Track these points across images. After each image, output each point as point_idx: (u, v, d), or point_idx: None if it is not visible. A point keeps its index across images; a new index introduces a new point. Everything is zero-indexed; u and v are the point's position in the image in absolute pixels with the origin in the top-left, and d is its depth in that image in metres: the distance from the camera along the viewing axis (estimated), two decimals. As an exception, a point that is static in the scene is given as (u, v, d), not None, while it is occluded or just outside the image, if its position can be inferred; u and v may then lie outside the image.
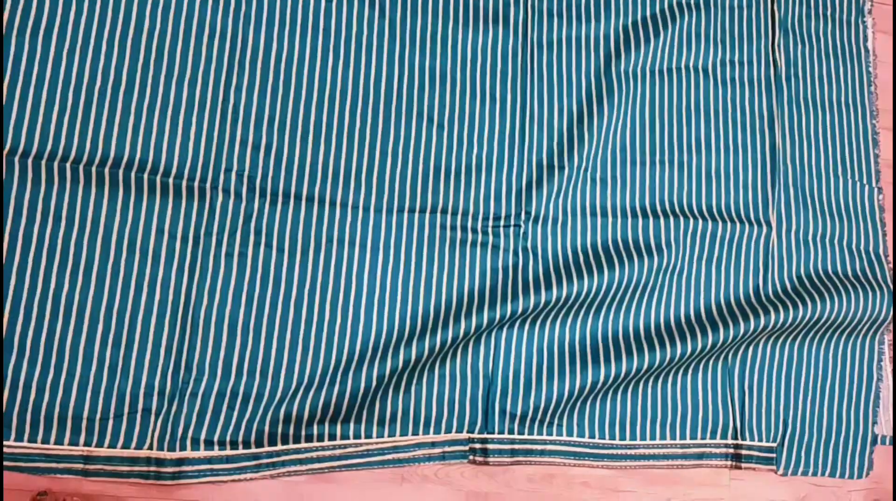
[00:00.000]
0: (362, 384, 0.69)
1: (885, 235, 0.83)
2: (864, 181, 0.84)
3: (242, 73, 0.72)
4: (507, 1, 0.81)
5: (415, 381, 0.70)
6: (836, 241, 0.82)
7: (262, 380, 0.67)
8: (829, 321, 0.78)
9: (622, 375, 0.73)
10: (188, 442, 0.65)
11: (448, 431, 0.71)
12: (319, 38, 0.76)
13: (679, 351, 0.74)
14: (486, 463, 0.71)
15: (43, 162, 0.66)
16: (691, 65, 0.83)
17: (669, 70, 0.82)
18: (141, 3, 0.72)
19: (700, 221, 0.78)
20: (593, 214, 0.77)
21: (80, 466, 0.64)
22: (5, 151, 0.65)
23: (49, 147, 0.66)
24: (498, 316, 0.73)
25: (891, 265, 0.82)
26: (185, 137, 0.70)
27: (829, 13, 0.89)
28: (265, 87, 0.73)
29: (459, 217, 0.74)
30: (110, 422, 0.64)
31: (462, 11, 0.80)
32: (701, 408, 0.75)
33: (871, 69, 0.88)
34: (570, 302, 0.75)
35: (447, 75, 0.78)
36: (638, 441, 0.74)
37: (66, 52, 0.68)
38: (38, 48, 0.68)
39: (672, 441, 0.75)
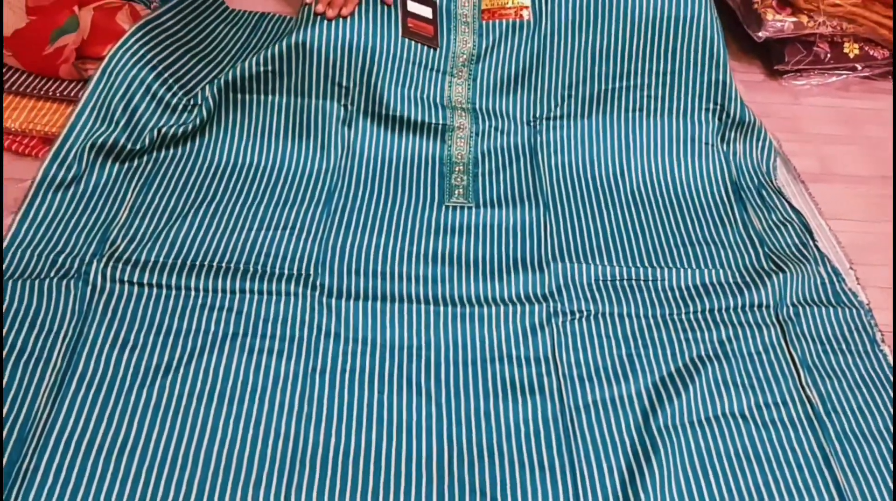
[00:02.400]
0: None
1: None
2: None
3: (303, 472, 0.77)
4: (539, 372, 0.89)
5: None
6: None
7: None
8: None
9: None
10: None
11: None
12: (374, 429, 0.82)
13: None
14: None
15: None
16: (727, 411, 0.86)
17: (708, 419, 0.85)
18: (208, 450, 0.77)
19: None
20: None
21: None
22: None
23: None
24: None
25: None
26: None
27: (843, 347, 0.94)
28: (324, 483, 0.77)
29: None
30: None
31: (500, 387, 0.88)
32: None
33: (906, 394, 0.89)
34: None
35: (493, 449, 0.81)
36: None
37: None
38: None
39: None
